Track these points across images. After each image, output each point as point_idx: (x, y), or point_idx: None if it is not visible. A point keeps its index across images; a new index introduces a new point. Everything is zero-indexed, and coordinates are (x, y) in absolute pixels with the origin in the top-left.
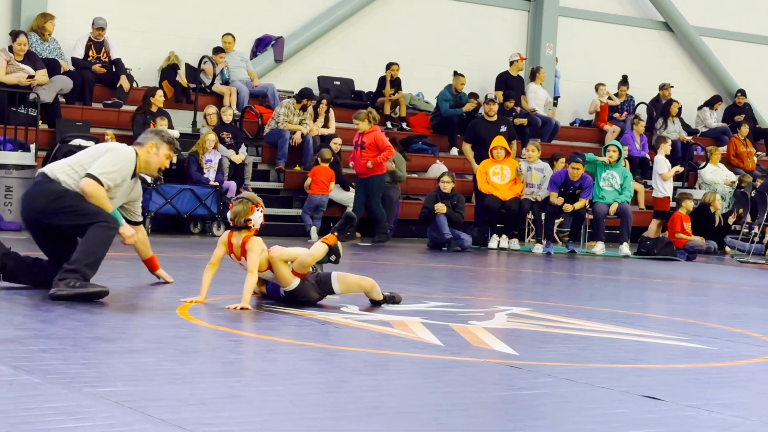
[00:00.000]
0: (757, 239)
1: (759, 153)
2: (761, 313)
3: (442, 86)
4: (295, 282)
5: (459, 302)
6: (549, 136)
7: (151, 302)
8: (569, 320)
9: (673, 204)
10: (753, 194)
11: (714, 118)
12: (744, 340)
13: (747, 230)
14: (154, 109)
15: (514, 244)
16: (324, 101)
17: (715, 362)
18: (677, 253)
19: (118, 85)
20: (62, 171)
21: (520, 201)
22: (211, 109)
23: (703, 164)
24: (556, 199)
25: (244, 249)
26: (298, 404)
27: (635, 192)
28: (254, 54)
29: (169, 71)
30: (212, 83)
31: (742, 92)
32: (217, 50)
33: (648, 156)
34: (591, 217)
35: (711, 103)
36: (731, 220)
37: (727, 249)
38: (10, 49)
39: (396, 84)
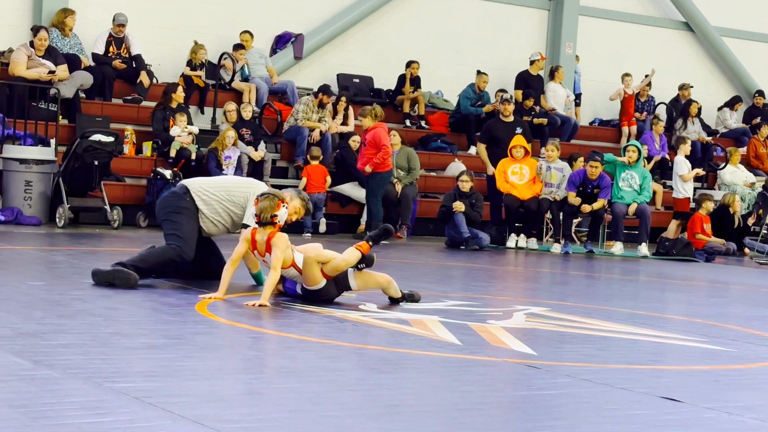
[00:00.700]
0: None
1: None
2: None
3: (462, 85)
4: (322, 282)
5: (477, 301)
6: (568, 136)
7: (170, 298)
8: (588, 320)
9: (692, 205)
10: None
11: (734, 119)
12: (764, 342)
13: (766, 231)
14: (173, 105)
15: (533, 243)
16: (343, 98)
17: (735, 364)
18: (696, 254)
19: (138, 80)
20: (201, 189)
21: (538, 200)
22: (231, 106)
23: (722, 165)
24: (574, 199)
25: (269, 245)
26: (316, 402)
27: (653, 192)
28: (274, 51)
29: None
30: (232, 80)
31: (761, 93)
32: (237, 47)
33: (667, 156)
34: (610, 217)
35: (731, 104)
36: (751, 221)
37: (747, 250)
38: (31, 44)
39: (415, 82)
